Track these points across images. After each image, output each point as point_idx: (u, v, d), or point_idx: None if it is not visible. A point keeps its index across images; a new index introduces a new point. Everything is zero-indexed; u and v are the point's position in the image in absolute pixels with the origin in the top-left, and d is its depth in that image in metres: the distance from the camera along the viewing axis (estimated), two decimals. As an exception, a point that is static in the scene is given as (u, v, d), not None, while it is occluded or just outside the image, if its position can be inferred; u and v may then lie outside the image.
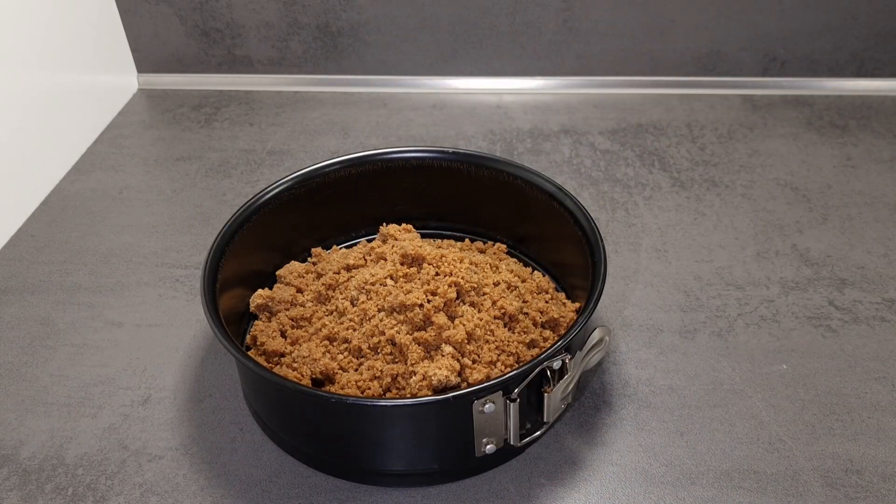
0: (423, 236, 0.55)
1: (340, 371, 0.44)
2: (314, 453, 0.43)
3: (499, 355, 0.44)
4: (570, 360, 0.41)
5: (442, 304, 0.44)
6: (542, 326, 0.47)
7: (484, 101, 0.78)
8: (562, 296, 0.51)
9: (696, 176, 0.66)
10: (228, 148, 0.72)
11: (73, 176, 0.69)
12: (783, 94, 0.78)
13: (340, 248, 0.56)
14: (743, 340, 0.50)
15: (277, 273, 0.52)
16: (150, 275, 0.58)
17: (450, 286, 0.45)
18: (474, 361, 0.44)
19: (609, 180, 0.66)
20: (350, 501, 0.42)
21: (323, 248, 0.55)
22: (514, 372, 0.39)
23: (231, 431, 0.46)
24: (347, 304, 0.47)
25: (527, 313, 0.47)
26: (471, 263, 0.48)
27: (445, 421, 0.40)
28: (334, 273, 0.50)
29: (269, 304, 0.49)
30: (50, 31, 0.68)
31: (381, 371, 0.43)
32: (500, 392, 0.39)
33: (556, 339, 0.46)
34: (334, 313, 0.47)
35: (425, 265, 0.46)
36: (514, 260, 0.54)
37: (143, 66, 0.81)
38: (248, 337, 0.49)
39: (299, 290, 0.50)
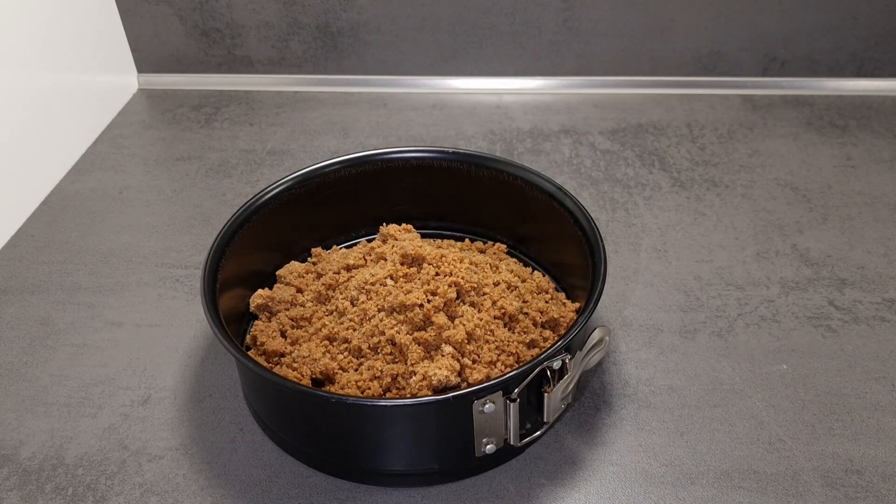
0: (423, 236, 0.55)
1: (340, 371, 0.44)
2: (314, 453, 0.43)
3: (499, 355, 0.44)
4: (570, 360, 0.41)
5: (442, 304, 0.44)
6: (542, 326, 0.47)
7: (484, 101, 0.78)
8: (562, 296, 0.51)
9: (696, 176, 0.66)
10: (228, 148, 0.72)
11: (73, 176, 0.69)
12: (783, 94, 0.78)
13: (340, 248, 0.56)
14: (743, 340, 0.50)
15: (277, 273, 0.52)
16: (150, 275, 0.58)
17: (450, 286, 0.45)
18: (474, 361, 0.44)
19: (609, 180, 0.66)
20: (350, 501, 0.42)
21: (323, 248, 0.55)
22: (514, 372, 0.39)
23: (231, 431, 0.46)
24: (347, 304, 0.47)
25: (527, 313, 0.47)
26: (471, 263, 0.48)
27: (445, 421, 0.40)
28: (334, 273, 0.50)
29: (269, 304, 0.49)
30: (50, 31, 0.68)
31: (381, 371, 0.43)
32: (500, 392, 0.39)
33: (556, 339, 0.46)
34: (334, 313, 0.47)
35: (425, 265, 0.46)
36: (514, 260, 0.54)
37: (143, 66, 0.81)
38: (248, 337, 0.49)
39: (299, 290, 0.50)
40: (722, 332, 0.51)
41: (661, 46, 0.77)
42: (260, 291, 0.50)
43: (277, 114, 0.77)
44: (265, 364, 0.45)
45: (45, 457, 0.44)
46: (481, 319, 0.45)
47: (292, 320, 0.48)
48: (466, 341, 0.44)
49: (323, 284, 0.49)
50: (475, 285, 0.46)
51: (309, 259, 0.54)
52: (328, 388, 0.44)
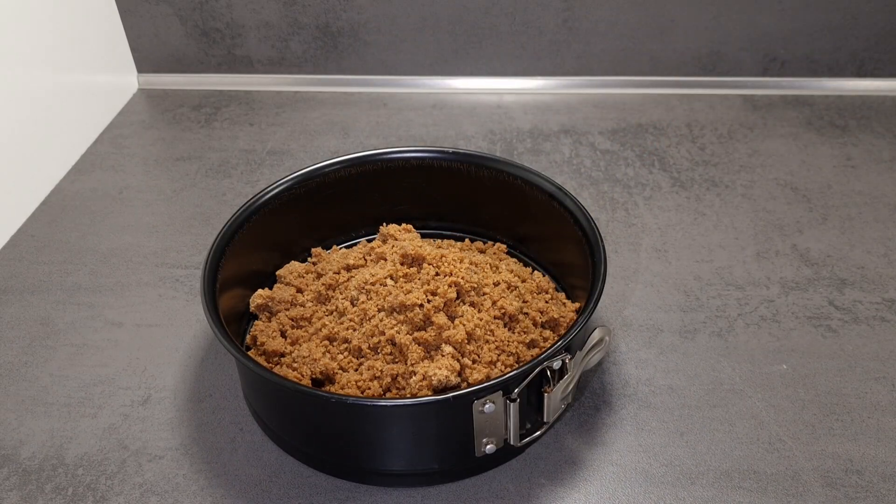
0: (424, 236, 0.55)
1: (340, 371, 0.44)
2: (314, 453, 0.43)
3: (499, 355, 0.44)
4: (570, 360, 0.41)
5: (442, 305, 0.44)
6: (542, 326, 0.47)
7: (484, 101, 0.78)
8: (562, 296, 0.51)
9: (696, 176, 0.66)
10: (228, 148, 0.72)
11: (73, 176, 0.69)
12: (783, 94, 0.78)
13: (340, 248, 0.56)
14: (743, 340, 0.50)
15: (277, 273, 0.52)
16: (150, 275, 0.58)
17: (450, 286, 0.45)
18: (474, 361, 0.44)
19: (609, 180, 0.66)
20: (350, 501, 0.42)
21: (323, 248, 0.55)
22: (514, 372, 0.39)
23: (231, 431, 0.46)
24: (347, 304, 0.47)
25: (527, 313, 0.47)
26: (471, 263, 0.48)
27: (445, 421, 0.40)
28: (334, 273, 0.50)
29: (269, 304, 0.49)
30: (50, 32, 0.68)
31: (381, 371, 0.43)
32: (500, 392, 0.39)
33: (556, 339, 0.46)
34: (334, 313, 0.47)
35: (425, 265, 0.46)
36: (514, 260, 0.54)
37: (143, 66, 0.81)
38: (248, 337, 0.49)
39: (299, 290, 0.50)
40: (722, 332, 0.51)
41: (661, 46, 0.77)
42: (260, 291, 0.50)
43: (277, 114, 0.77)
44: (265, 364, 0.45)
45: (45, 457, 0.44)
46: (481, 319, 0.45)
47: (292, 320, 0.48)
48: (466, 341, 0.44)
49: (323, 284, 0.49)
50: (475, 285, 0.46)
51: (309, 259, 0.54)
52: (328, 388, 0.44)
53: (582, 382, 0.48)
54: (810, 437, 0.44)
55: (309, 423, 0.43)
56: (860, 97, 0.77)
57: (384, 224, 0.54)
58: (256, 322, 0.49)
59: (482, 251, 0.55)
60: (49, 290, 0.56)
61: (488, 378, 0.42)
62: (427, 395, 0.41)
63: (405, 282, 0.46)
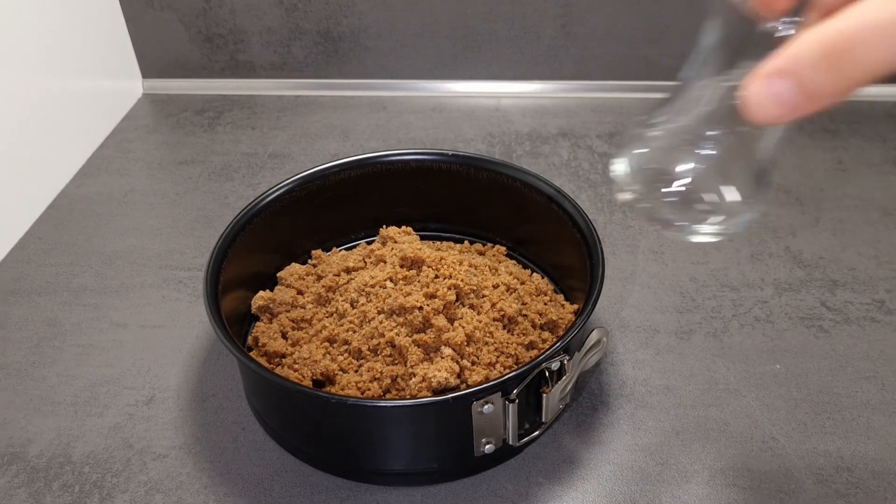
0: (423, 238, 0.55)
1: (341, 372, 0.45)
2: (315, 453, 0.44)
3: (498, 357, 0.45)
4: (569, 361, 0.42)
5: (441, 307, 0.45)
6: (541, 328, 0.48)
7: (483, 105, 0.79)
8: (560, 297, 0.51)
9: (692, 179, 0.67)
10: (231, 151, 0.73)
11: (79, 180, 0.70)
12: (779, 97, 0.78)
13: (340, 251, 0.56)
14: (737, 341, 0.51)
15: (278, 275, 0.52)
16: (153, 276, 0.58)
17: (449, 288, 0.45)
18: (473, 363, 0.44)
19: (607, 183, 0.67)
20: (350, 500, 0.42)
21: (323, 251, 0.56)
22: (513, 373, 0.40)
23: (233, 431, 0.46)
24: (347, 306, 0.47)
25: (526, 315, 0.48)
26: (470, 266, 0.48)
27: (445, 421, 0.41)
28: (334, 275, 0.50)
29: (271, 305, 0.50)
30: (57, 38, 0.68)
31: (381, 373, 0.44)
32: (499, 393, 0.39)
33: (554, 340, 0.47)
34: (334, 315, 0.48)
35: (425, 268, 0.47)
36: (514, 262, 0.55)
37: (147, 71, 0.82)
38: (249, 338, 0.49)
39: (300, 292, 0.51)
40: (717, 333, 0.52)
41: (656, 51, 0.78)
42: (261, 293, 0.50)
43: (279, 118, 0.78)
44: (267, 365, 0.46)
45: (52, 455, 0.45)
46: (480, 321, 0.45)
47: (293, 322, 0.49)
48: (466, 343, 0.44)
49: (323, 286, 0.49)
50: (474, 287, 0.47)
51: (309, 261, 0.55)
52: (329, 388, 0.44)
53: (580, 383, 0.48)
54: (802, 436, 0.45)
55: (310, 423, 0.43)
56: (851, 103, 0.77)
57: (384, 226, 0.54)
58: (258, 323, 0.50)
59: (481, 253, 0.56)
60: (56, 292, 0.57)
61: (487, 379, 0.43)
62: (427, 397, 0.42)
63: (405, 284, 0.46)
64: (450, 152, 0.55)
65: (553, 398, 0.42)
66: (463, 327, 0.44)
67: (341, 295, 0.49)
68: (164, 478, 0.44)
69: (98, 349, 0.52)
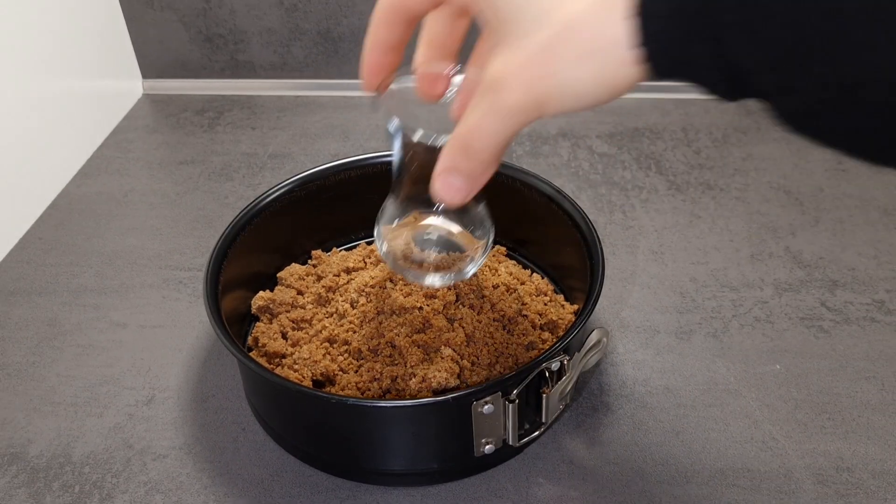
0: (423, 239, 0.55)
1: (341, 373, 0.45)
2: (315, 453, 0.44)
3: (497, 357, 0.45)
4: (569, 361, 0.42)
5: (441, 307, 0.45)
6: (541, 328, 0.48)
7: (483, 106, 0.79)
8: (560, 298, 0.51)
9: (692, 179, 0.67)
10: (231, 151, 0.73)
11: (79, 180, 0.70)
12: (778, 98, 0.78)
13: (340, 251, 0.56)
14: (737, 341, 0.51)
15: (278, 275, 0.52)
16: (153, 277, 0.58)
17: (449, 289, 0.45)
18: (473, 364, 0.44)
19: (606, 183, 0.67)
20: (350, 500, 0.42)
21: (323, 251, 0.56)
22: (513, 373, 0.40)
23: (233, 431, 0.46)
24: (347, 306, 0.47)
25: (526, 315, 0.48)
26: (469, 266, 0.48)
27: (445, 421, 0.41)
28: (334, 275, 0.50)
29: (271, 305, 0.50)
30: (57, 38, 0.69)
31: (381, 373, 0.44)
32: (499, 393, 0.40)
33: (554, 340, 0.47)
34: (334, 315, 0.48)
35: (425, 268, 0.47)
36: (514, 262, 0.55)
37: (147, 71, 0.82)
38: (249, 338, 0.49)
39: (300, 293, 0.51)
40: (717, 333, 0.52)
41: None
42: (261, 293, 0.50)
43: (279, 118, 0.78)
44: (267, 365, 0.46)
45: (52, 455, 0.45)
46: (480, 322, 0.45)
47: (293, 322, 0.49)
48: (465, 344, 0.44)
49: (323, 287, 0.49)
50: (474, 288, 0.47)
51: (309, 261, 0.55)
52: (328, 389, 0.45)
53: (580, 383, 0.48)
54: (802, 436, 0.45)
55: (310, 423, 0.43)
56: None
57: None
58: (258, 324, 0.50)
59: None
60: (56, 292, 0.57)
61: (487, 379, 0.43)
62: (427, 397, 0.42)
63: (405, 284, 0.47)
64: (450, 152, 0.54)
65: (553, 398, 0.42)
66: (463, 328, 0.45)
67: (341, 295, 0.49)
68: (164, 478, 0.44)
69: (98, 349, 0.52)
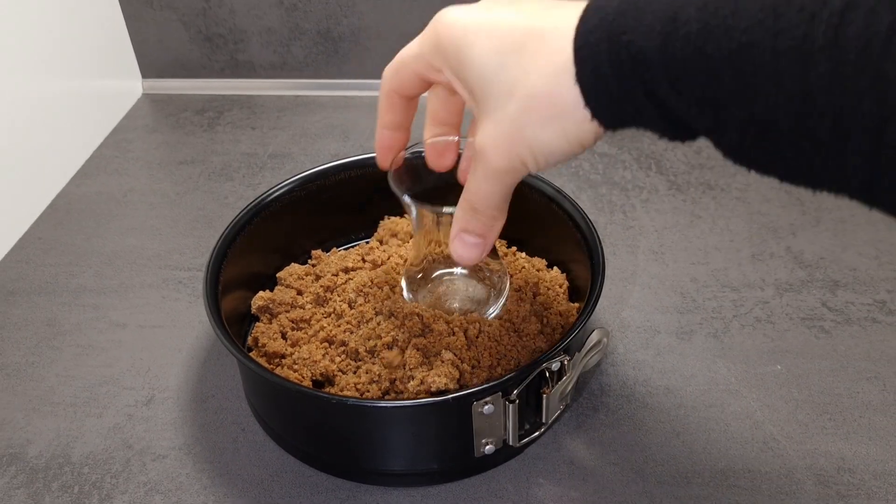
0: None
1: (340, 373, 0.45)
2: (315, 453, 0.44)
3: (499, 360, 0.45)
4: (569, 361, 0.42)
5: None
6: (542, 328, 0.48)
7: (483, 105, 0.79)
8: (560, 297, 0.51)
9: (693, 179, 0.67)
10: (231, 151, 0.73)
11: (78, 179, 0.70)
12: (779, 98, 0.78)
13: (339, 251, 0.56)
14: (738, 341, 0.51)
15: (278, 275, 0.52)
16: (153, 277, 0.58)
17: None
18: (474, 367, 0.44)
19: (607, 183, 0.67)
20: (350, 500, 0.42)
21: (323, 251, 0.56)
22: (513, 374, 0.40)
23: (233, 431, 0.46)
24: (345, 306, 0.47)
25: (527, 316, 0.47)
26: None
27: (445, 422, 0.41)
28: (332, 275, 0.50)
29: (270, 305, 0.50)
30: (57, 38, 0.68)
31: (379, 375, 0.43)
32: (500, 393, 0.39)
33: (554, 341, 0.47)
34: (332, 315, 0.48)
35: (425, 268, 0.47)
36: (524, 255, 0.54)
37: (147, 71, 0.82)
38: (249, 338, 0.49)
39: (299, 293, 0.51)
40: (717, 334, 0.52)
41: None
42: (261, 293, 0.50)
43: (279, 118, 0.78)
44: (266, 365, 0.46)
45: (51, 455, 0.45)
46: (480, 323, 0.45)
47: (292, 322, 0.48)
48: (466, 347, 0.44)
49: (321, 287, 0.49)
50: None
51: (309, 261, 0.55)
52: (328, 389, 0.44)
53: (580, 383, 0.48)
54: (803, 436, 0.45)
55: (310, 423, 0.43)
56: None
57: (386, 217, 0.54)
58: (258, 324, 0.50)
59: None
60: (55, 292, 0.57)
61: (487, 380, 0.43)
62: (426, 397, 0.42)
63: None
64: (450, 152, 0.54)
65: (553, 399, 0.42)
66: (463, 331, 0.44)
67: (339, 295, 0.49)
68: (163, 479, 0.44)
69: (97, 349, 0.52)
